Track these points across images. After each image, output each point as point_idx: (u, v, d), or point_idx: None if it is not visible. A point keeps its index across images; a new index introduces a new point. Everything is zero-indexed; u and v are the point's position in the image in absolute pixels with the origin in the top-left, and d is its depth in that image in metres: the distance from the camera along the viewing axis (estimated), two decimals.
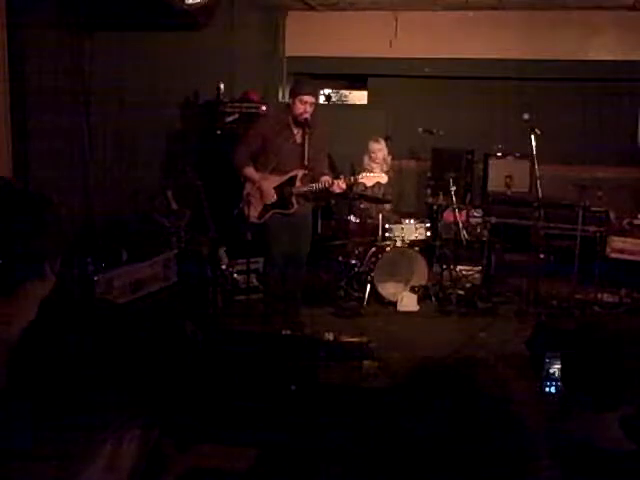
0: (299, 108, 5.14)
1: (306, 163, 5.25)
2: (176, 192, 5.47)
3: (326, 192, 5.47)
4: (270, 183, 5.23)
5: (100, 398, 1.08)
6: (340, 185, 5.24)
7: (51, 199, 1.72)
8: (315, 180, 5.30)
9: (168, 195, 5.39)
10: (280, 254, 5.35)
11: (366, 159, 6.66)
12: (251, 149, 5.28)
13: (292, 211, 5.28)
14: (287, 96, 5.50)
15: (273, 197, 5.23)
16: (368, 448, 1.04)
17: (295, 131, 5.24)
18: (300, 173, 5.26)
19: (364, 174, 5.49)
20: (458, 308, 6.13)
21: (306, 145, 5.23)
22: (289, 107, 5.27)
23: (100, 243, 4.75)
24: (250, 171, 5.24)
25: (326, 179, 5.24)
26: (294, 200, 5.25)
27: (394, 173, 6.99)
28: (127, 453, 1.10)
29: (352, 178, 5.40)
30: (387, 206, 6.68)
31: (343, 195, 6.29)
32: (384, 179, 5.56)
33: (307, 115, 5.15)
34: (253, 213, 5.21)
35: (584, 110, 8.00)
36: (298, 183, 5.26)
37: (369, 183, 5.62)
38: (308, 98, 5.15)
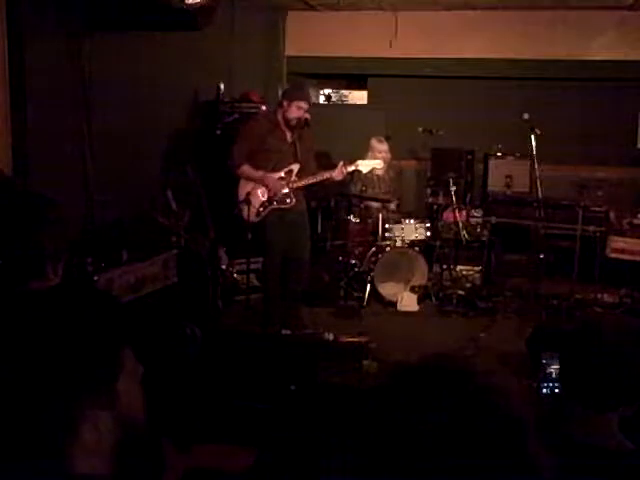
0: (294, 112, 5.19)
1: (300, 159, 5.33)
2: (176, 192, 5.47)
3: (326, 181, 5.49)
4: (274, 177, 5.28)
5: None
6: (338, 174, 5.31)
7: (53, 199, 1.72)
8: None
9: (168, 195, 5.39)
10: (279, 254, 5.37)
11: (368, 156, 6.66)
12: (248, 148, 5.30)
13: (290, 205, 5.31)
14: (281, 98, 5.50)
15: (281, 188, 5.26)
16: (368, 448, 1.04)
17: (285, 130, 5.30)
18: (296, 167, 5.32)
19: (359, 162, 5.58)
20: (458, 308, 6.14)
21: (297, 144, 5.30)
22: (281, 109, 5.29)
23: (100, 243, 4.75)
24: (247, 168, 5.27)
25: (325, 172, 5.32)
26: (292, 194, 5.31)
27: (394, 174, 6.99)
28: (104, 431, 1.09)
29: (349, 165, 5.47)
30: (392, 205, 6.69)
31: (342, 195, 6.32)
32: (380, 165, 5.65)
33: (307, 115, 5.22)
34: (252, 211, 5.24)
35: (584, 110, 7.99)
36: (294, 177, 5.32)
37: (365, 170, 5.68)
38: (304, 104, 5.21)
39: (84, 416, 1.07)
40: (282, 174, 5.31)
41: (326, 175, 5.34)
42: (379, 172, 6.63)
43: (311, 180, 5.36)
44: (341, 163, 5.38)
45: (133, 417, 1.15)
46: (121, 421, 1.12)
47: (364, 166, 5.59)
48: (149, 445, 1.20)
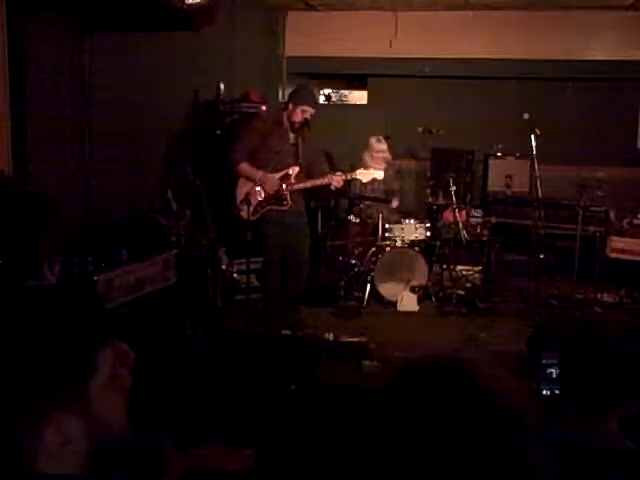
0: (298, 116, 5.23)
1: (300, 161, 5.32)
2: (176, 192, 5.47)
3: (323, 188, 5.51)
4: (272, 178, 5.29)
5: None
6: (338, 180, 5.30)
7: (51, 201, 1.72)
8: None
9: (168, 195, 5.39)
10: (277, 254, 5.38)
11: (366, 156, 6.66)
12: (249, 147, 5.32)
13: (287, 207, 5.32)
14: (287, 99, 5.54)
15: (276, 189, 5.28)
16: (368, 448, 1.04)
17: (289, 131, 5.31)
18: (295, 170, 5.32)
19: (360, 170, 5.56)
20: (458, 308, 6.14)
21: (300, 145, 5.30)
22: (286, 110, 5.32)
23: (100, 243, 4.75)
24: (246, 166, 5.29)
25: (324, 178, 5.33)
26: (289, 197, 5.31)
27: (395, 173, 6.98)
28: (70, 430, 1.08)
29: (348, 174, 5.46)
30: (393, 203, 6.69)
31: (343, 194, 6.31)
32: (380, 175, 5.62)
33: (307, 116, 5.23)
34: (250, 211, 5.25)
35: (584, 110, 7.99)
36: (293, 180, 5.32)
37: (365, 179, 5.66)
38: (310, 109, 5.23)
39: (48, 418, 1.06)
40: (280, 176, 5.31)
41: (325, 181, 5.34)
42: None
43: (308, 184, 5.36)
44: (339, 173, 5.38)
45: (108, 425, 1.13)
46: (93, 427, 1.10)
47: (364, 175, 5.56)
48: (128, 453, 1.18)
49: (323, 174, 5.37)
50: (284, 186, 5.30)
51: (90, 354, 1.11)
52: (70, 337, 1.11)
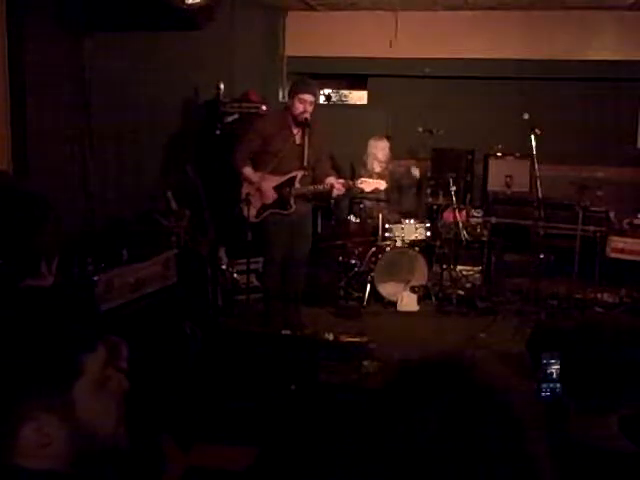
0: (298, 107, 5.14)
1: (305, 164, 5.27)
2: (176, 192, 5.47)
3: (326, 194, 5.48)
4: (269, 183, 5.24)
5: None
6: (339, 188, 5.25)
7: (47, 200, 1.72)
8: (317, 181, 5.32)
9: (168, 195, 5.39)
10: (279, 254, 5.36)
11: (368, 159, 6.66)
12: (251, 149, 5.29)
13: (290, 212, 5.29)
14: (287, 96, 5.51)
15: (273, 197, 5.25)
16: (367, 448, 1.04)
17: (295, 131, 5.25)
18: (299, 174, 5.27)
19: (363, 179, 5.50)
20: (458, 308, 6.14)
21: (306, 146, 5.24)
22: (288, 107, 5.28)
23: (100, 243, 4.75)
24: (249, 171, 5.26)
25: (329, 180, 5.26)
26: (292, 201, 5.27)
27: (399, 175, 6.97)
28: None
29: (350, 182, 5.41)
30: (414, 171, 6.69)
31: (343, 194, 6.30)
32: (382, 185, 5.56)
33: (307, 115, 5.15)
34: (252, 212, 5.22)
35: (584, 110, 7.99)
36: (297, 184, 5.27)
37: (367, 189, 5.60)
38: (307, 97, 5.14)
39: (27, 417, 1.07)
40: (285, 179, 5.27)
41: (327, 188, 5.26)
42: (378, 171, 6.64)
43: (311, 191, 5.30)
44: (341, 181, 5.33)
45: (95, 428, 1.13)
46: (77, 430, 1.10)
47: (366, 185, 5.49)
48: (123, 455, 1.18)
49: (326, 176, 5.31)
50: (288, 190, 5.25)
51: (76, 358, 1.11)
52: (55, 340, 1.11)
